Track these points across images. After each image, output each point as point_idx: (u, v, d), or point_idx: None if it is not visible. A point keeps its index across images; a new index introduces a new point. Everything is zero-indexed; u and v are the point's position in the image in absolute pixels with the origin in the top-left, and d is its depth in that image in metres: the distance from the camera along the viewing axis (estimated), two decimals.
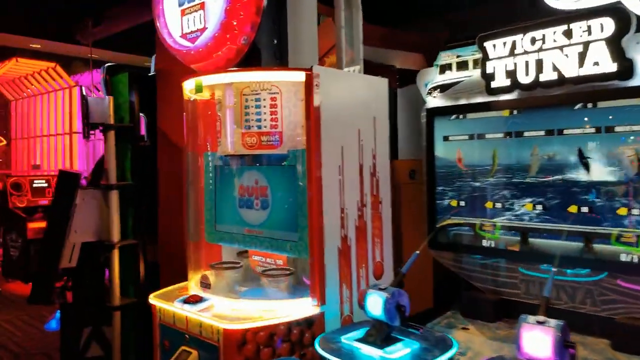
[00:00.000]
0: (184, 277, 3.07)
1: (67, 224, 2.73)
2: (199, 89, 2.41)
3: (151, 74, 3.58)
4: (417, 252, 1.99)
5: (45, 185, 6.89)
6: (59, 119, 8.00)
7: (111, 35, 9.00)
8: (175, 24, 2.57)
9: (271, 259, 2.53)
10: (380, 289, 1.74)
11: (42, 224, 6.43)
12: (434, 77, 3.01)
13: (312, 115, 2.19)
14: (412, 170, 3.25)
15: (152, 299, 2.41)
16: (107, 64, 3.54)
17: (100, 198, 2.98)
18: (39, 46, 9.77)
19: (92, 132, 2.90)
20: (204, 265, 2.63)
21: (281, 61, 2.58)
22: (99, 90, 8.83)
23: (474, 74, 2.72)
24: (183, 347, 2.17)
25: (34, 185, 6.80)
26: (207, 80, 2.42)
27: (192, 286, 2.53)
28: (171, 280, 3.09)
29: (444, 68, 2.94)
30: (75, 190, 2.78)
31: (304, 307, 2.12)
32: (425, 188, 2.84)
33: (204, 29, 2.40)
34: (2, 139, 7.84)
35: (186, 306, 2.19)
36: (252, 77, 2.39)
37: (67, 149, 7.74)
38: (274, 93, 2.41)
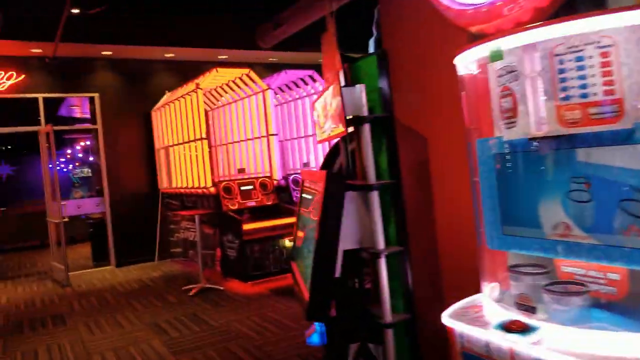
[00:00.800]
0: (437, 289, 2.61)
1: (338, 230, 2.45)
2: (496, 55, 1.88)
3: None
4: None
5: (251, 188, 7.17)
6: (254, 123, 8.33)
7: (287, 38, 9.22)
8: None
9: (598, 272, 1.90)
10: None
11: (254, 225, 6.69)
12: None
13: None
14: None
15: (448, 320, 1.96)
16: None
17: (358, 200, 2.65)
18: (225, 57, 10.47)
19: (348, 128, 2.56)
20: (492, 277, 2.12)
21: (597, 6, 1.92)
22: (283, 91, 9.05)
23: None
24: None
25: (242, 188, 7.12)
26: (505, 43, 1.88)
27: (486, 303, 2.02)
28: (428, 292, 2.63)
29: None
30: (343, 193, 2.49)
31: None
32: None
33: None
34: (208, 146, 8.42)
35: (512, 336, 1.67)
36: (573, 28, 1.77)
37: (265, 152, 8.00)
38: (606, 46, 1.75)
